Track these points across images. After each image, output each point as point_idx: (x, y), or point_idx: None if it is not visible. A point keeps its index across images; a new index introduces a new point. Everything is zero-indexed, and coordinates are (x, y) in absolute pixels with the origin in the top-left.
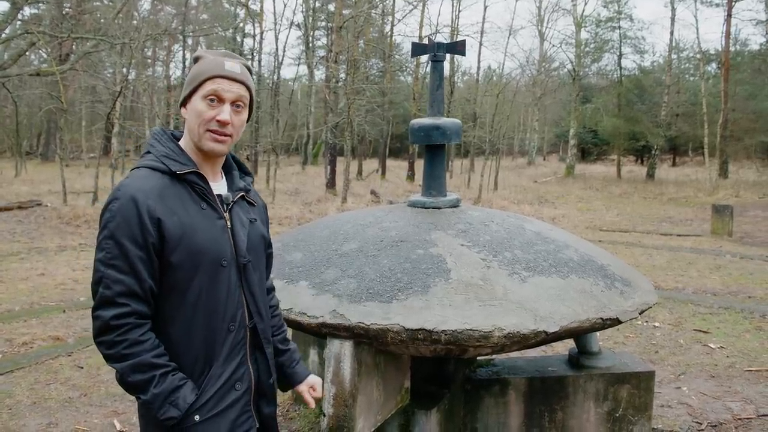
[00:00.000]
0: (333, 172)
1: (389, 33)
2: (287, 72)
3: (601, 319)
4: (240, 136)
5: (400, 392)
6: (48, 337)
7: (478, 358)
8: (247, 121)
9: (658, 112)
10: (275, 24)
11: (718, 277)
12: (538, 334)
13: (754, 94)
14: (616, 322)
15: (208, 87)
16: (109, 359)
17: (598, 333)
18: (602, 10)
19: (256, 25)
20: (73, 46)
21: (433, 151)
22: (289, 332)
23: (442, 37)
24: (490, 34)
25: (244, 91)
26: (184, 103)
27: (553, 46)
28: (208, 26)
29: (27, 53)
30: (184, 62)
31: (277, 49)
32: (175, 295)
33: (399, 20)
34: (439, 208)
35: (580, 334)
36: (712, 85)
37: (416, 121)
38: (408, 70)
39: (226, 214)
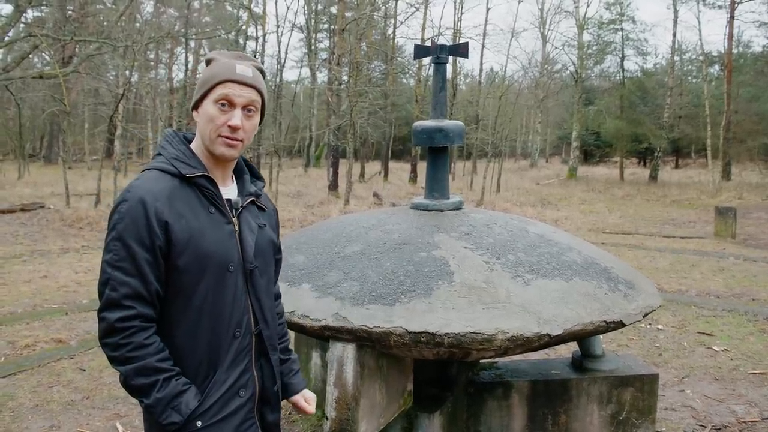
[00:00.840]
0: (335, 174)
1: (392, 35)
2: (290, 74)
3: (605, 322)
4: (251, 140)
5: (402, 395)
6: (50, 339)
7: (481, 361)
8: (260, 124)
9: (661, 114)
10: (278, 26)
11: (721, 279)
12: (542, 337)
13: (757, 96)
14: (620, 325)
15: (219, 91)
16: (113, 361)
17: (601, 336)
18: (604, 12)
19: (259, 27)
20: (76, 49)
21: (436, 153)
22: (292, 336)
23: (445, 40)
24: (493, 37)
25: (256, 95)
26: (195, 106)
27: (556, 48)
28: (210, 29)
29: (30, 56)
30: (186, 65)
31: (279, 51)
32: (181, 299)
33: (401, 23)
34: (442, 210)
35: (583, 337)
36: (714, 87)
37: (419, 124)
38: (410, 72)
39: (235, 219)
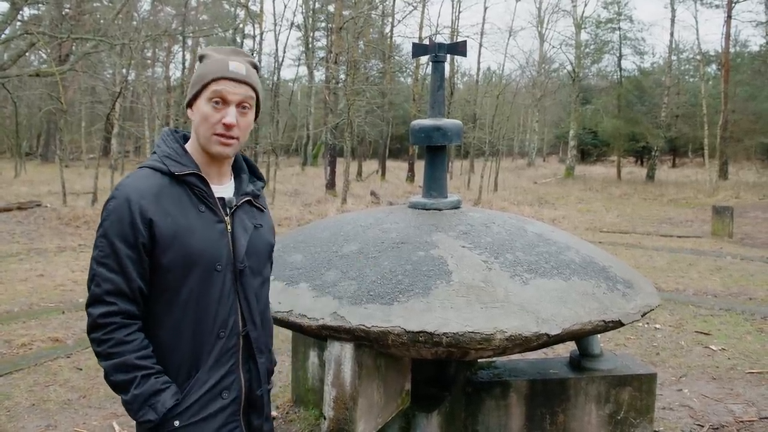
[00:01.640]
0: (333, 173)
1: (389, 34)
2: (287, 73)
3: (604, 321)
4: (247, 137)
5: (400, 395)
6: (47, 338)
7: (479, 360)
8: (255, 121)
9: (658, 113)
10: (275, 25)
11: (718, 278)
12: (540, 337)
13: (754, 96)
14: (618, 324)
15: (213, 89)
16: (98, 356)
17: (599, 335)
18: (602, 11)
19: (256, 26)
20: (73, 47)
21: (434, 152)
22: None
23: (442, 39)
24: (490, 35)
25: (250, 92)
26: (190, 104)
27: (553, 47)
28: (207, 27)
29: (27, 54)
30: (183, 63)
31: (277, 49)
32: (166, 297)
33: (399, 21)
34: (440, 209)
35: (582, 336)
36: (712, 87)
37: (417, 122)
38: (408, 71)
39: (227, 218)
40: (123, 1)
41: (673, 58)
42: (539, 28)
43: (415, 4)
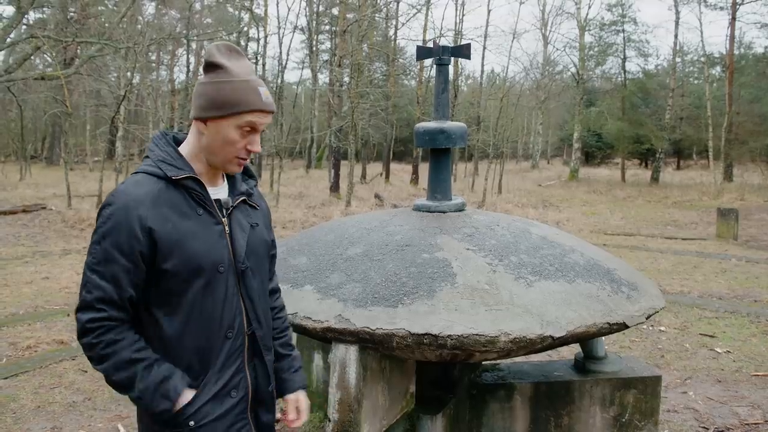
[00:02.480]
0: (337, 175)
1: (393, 37)
2: (291, 76)
3: (608, 323)
4: None
5: (405, 397)
6: (52, 340)
7: (484, 362)
8: None
9: (663, 115)
10: (279, 28)
11: (723, 280)
12: (545, 339)
13: (759, 97)
14: (623, 326)
15: (247, 119)
16: (91, 362)
17: (604, 337)
18: (606, 13)
19: (261, 29)
20: (78, 50)
21: (439, 155)
22: (294, 338)
23: (446, 41)
24: (494, 38)
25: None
26: (205, 119)
27: (557, 49)
28: (212, 30)
29: (32, 57)
30: (188, 66)
31: (281, 52)
32: (171, 302)
33: (403, 24)
34: (444, 212)
35: (586, 338)
36: (716, 89)
37: (421, 125)
38: (412, 73)
39: (225, 220)
40: (128, 4)
41: (678, 60)
42: (543, 31)
43: (418, 7)
